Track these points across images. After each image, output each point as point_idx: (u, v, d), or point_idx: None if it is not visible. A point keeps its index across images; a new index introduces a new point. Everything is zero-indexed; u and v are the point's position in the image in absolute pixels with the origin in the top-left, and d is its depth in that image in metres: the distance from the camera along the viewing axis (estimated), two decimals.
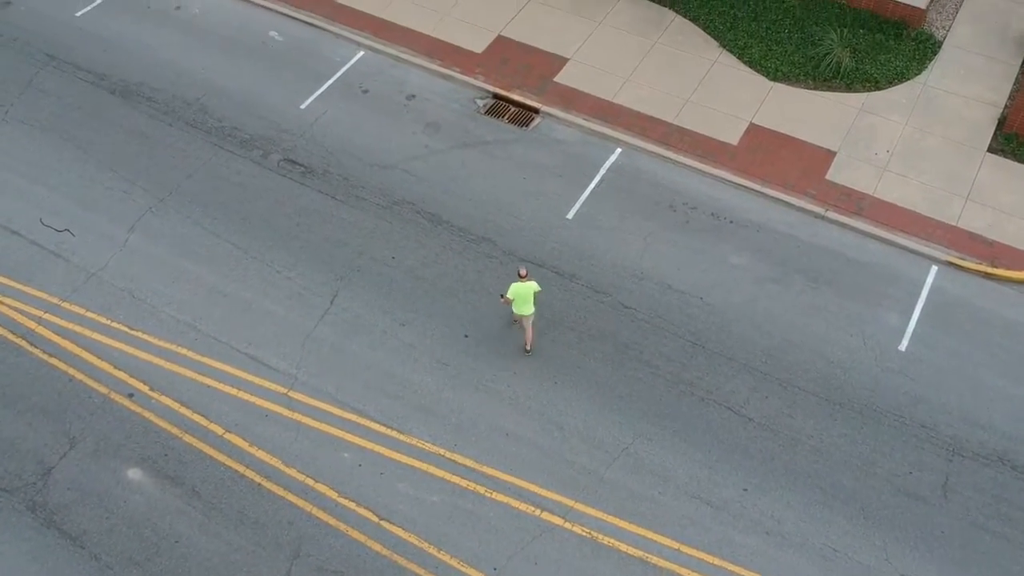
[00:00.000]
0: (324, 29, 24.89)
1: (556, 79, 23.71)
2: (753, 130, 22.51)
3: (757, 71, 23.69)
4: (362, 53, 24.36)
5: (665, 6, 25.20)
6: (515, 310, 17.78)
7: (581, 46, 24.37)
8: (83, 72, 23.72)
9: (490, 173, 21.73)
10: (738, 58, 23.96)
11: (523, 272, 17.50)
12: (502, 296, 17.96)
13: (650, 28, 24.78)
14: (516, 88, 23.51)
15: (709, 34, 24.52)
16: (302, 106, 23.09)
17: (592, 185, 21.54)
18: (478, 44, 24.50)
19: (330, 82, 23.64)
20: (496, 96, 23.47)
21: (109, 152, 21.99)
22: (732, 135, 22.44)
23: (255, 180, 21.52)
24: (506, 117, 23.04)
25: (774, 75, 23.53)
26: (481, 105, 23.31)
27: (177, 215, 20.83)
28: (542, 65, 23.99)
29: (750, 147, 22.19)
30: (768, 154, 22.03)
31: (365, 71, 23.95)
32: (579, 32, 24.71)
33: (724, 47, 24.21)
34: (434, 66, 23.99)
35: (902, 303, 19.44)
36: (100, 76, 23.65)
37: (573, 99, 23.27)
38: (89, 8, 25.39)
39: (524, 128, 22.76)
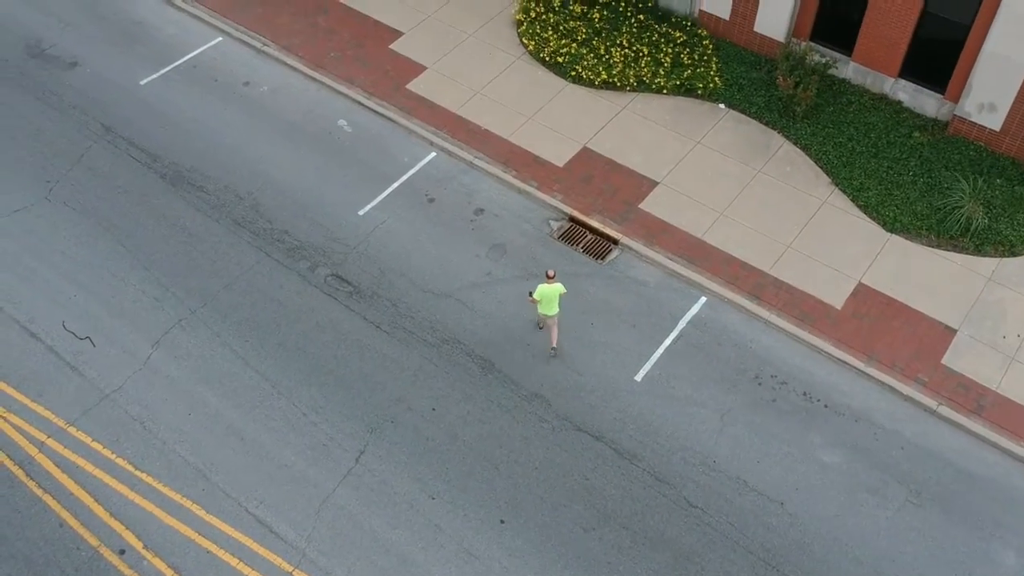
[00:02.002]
0: (396, 123, 22.43)
1: (641, 205, 20.78)
2: (862, 292, 19.22)
3: (872, 218, 20.36)
4: (433, 155, 21.82)
5: (774, 129, 22.03)
6: (540, 310, 17.54)
7: (674, 168, 21.39)
8: (136, 150, 21.73)
9: None
10: (851, 200, 20.66)
11: (551, 273, 17.22)
12: (530, 295, 17.37)
13: (754, 153, 21.66)
14: (596, 212, 20.67)
15: (821, 167, 21.27)
16: (360, 212, 20.67)
17: (668, 341, 18.57)
18: (560, 156, 21.74)
19: (395, 186, 21.17)
20: (573, 219, 20.67)
21: (148, 248, 19.91)
22: (836, 296, 19.20)
23: (297, 298, 19.15)
24: (581, 245, 20.22)
25: (892, 225, 20.16)
26: (555, 228, 20.55)
27: (207, 332, 18.58)
28: (628, 188, 21.09)
29: (856, 312, 18.91)
30: (876, 324, 18.72)
31: (434, 175, 21.42)
32: (674, 151, 21.74)
33: (837, 185, 20.93)
34: (509, 177, 21.31)
35: (1022, 538, 15.99)
36: (153, 157, 21.63)
37: (658, 232, 20.32)
38: (155, 76, 23.46)
39: (599, 261, 19.90)
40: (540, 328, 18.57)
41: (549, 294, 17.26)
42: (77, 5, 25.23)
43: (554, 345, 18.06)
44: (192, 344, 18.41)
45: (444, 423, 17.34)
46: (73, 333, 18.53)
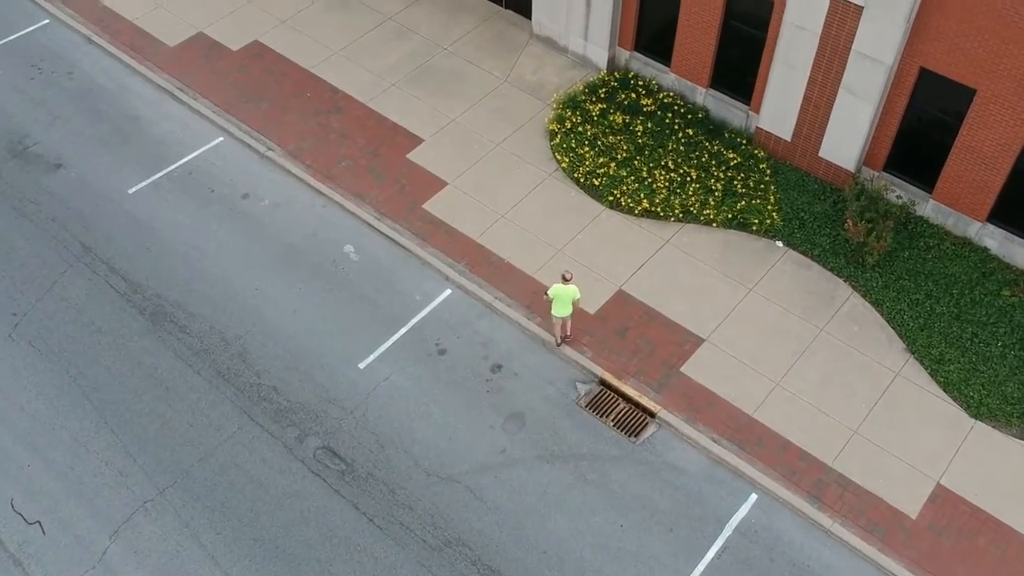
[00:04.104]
0: (410, 251, 19.35)
1: (683, 368, 17.53)
2: (941, 496, 15.84)
3: (954, 399, 16.94)
4: (448, 292, 18.72)
5: (840, 276, 18.66)
6: (553, 310, 16.98)
7: (723, 321, 18.10)
8: (116, 277, 18.85)
9: (578, 510, 15.77)
10: (930, 374, 17.25)
11: (568, 275, 16.70)
12: (546, 293, 16.99)
13: (816, 306, 18.30)
14: (631, 376, 17.46)
15: (894, 329, 17.87)
16: (361, 365, 17.63)
17: (711, 554, 15.33)
18: (592, 300, 18.51)
19: (402, 332, 18.09)
20: (604, 383, 17.47)
21: (117, 406, 17.00)
22: (911, 501, 15.83)
23: (281, 478, 16.14)
24: (612, 417, 17.02)
25: (977, 409, 16.74)
26: (583, 393, 17.36)
27: (175, 520, 15.63)
28: (668, 345, 17.84)
29: (934, 525, 15.54)
30: (958, 542, 15.34)
31: (447, 320, 18.32)
32: (723, 299, 18.45)
33: (912, 352, 17.53)
34: (532, 325, 18.15)
35: None
36: (134, 287, 18.73)
37: (702, 404, 17.06)
38: (145, 184, 20.55)
39: (633, 440, 16.70)
40: (557, 346, 17.76)
41: (564, 295, 16.77)
42: (70, 95, 22.39)
43: (558, 343, 17.74)
44: (156, 535, 15.46)
45: None
46: (22, 515, 15.67)
